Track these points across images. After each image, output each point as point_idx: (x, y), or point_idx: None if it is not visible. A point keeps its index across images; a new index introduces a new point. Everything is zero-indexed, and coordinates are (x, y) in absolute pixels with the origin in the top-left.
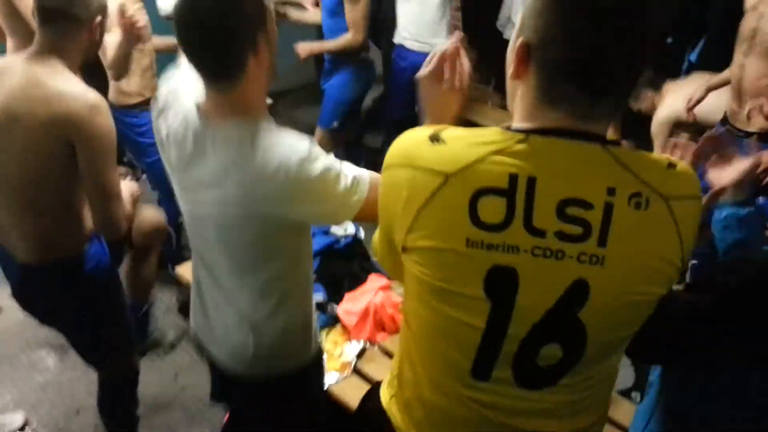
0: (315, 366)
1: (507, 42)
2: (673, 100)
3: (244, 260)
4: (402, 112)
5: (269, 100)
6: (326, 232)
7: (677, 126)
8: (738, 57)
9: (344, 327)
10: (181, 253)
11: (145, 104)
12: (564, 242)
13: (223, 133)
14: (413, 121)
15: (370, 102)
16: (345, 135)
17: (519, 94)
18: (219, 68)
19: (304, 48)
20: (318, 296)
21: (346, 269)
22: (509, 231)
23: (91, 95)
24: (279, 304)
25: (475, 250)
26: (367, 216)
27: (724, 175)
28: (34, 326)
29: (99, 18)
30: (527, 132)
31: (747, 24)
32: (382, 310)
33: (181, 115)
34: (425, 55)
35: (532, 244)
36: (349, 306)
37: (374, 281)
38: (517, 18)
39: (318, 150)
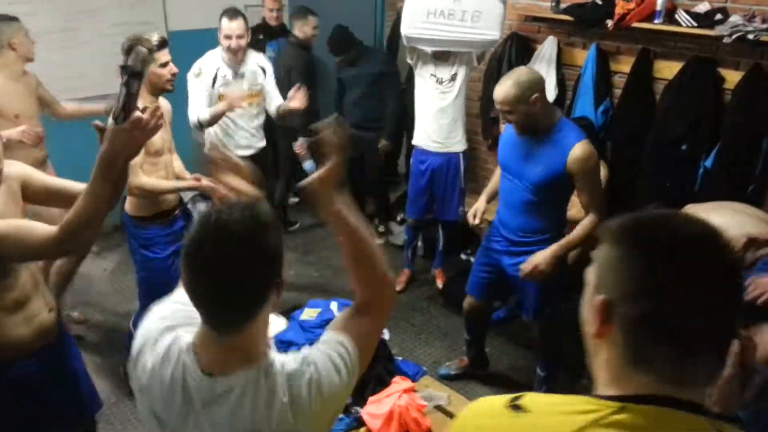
0: None
1: None
2: None
3: None
4: (419, 214)
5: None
6: None
7: None
8: None
9: (369, 430)
10: None
11: (157, 218)
12: None
13: (236, 388)
14: (430, 222)
15: (394, 200)
16: None
17: (602, 355)
18: (238, 317)
19: None
20: None
21: (370, 371)
22: None
23: None
24: None
25: None
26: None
27: None
28: None
29: None
30: (621, 399)
31: None
32: (407, 413)
33: (168, 366)
34: (443, 155)
35: None
36: (374, 409)
37: (399, 383)
38: None
39: (323, 363)
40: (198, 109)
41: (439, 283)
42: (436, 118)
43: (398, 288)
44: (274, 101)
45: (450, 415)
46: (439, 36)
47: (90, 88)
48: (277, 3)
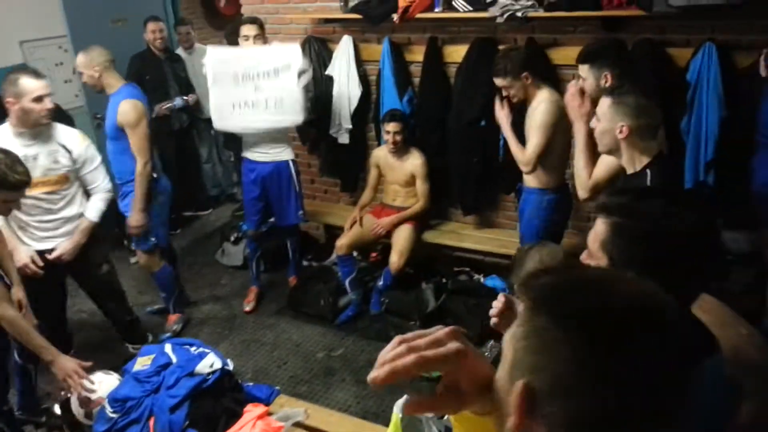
0: None
1: (343, 145)
2: None
3: None
4: (256, 225)
5: None
6: (191, 373)
7: None
8: None
9: None
10: None
11: None
12: None
13: None
14: (266, 233)
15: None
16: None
17: None
18: None
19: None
20: None
21: (219, 406)
22: None
23: None
24: None
25: None
26: None
27: None
28: None
29: None
30: None
31: None
32: None
33: None
34: (271, 163)
35: None
36: None
37: (251, 411)
38: (346, 123)
39: None
40: None
41: None
42: (258, 132)
43: (248, 308)
44: (95, 197)
45: (310, 429)
46: (248, 125)
47: None
48: None
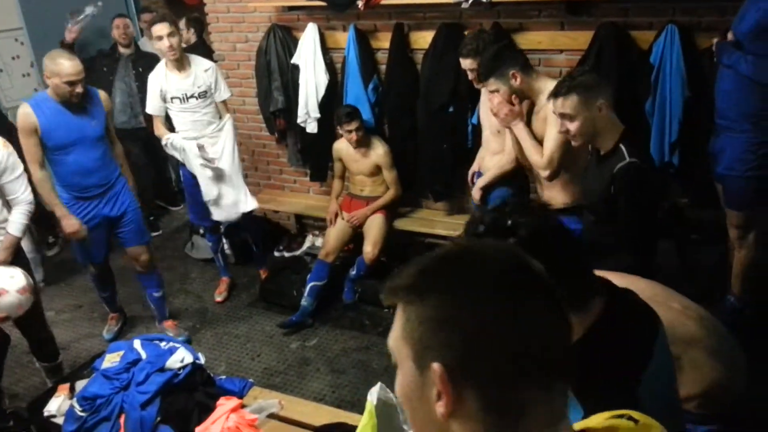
0: None
1: (311, 134)
2: None
3: None
4: (205, 219)
5: None
6: (161, 369)
7: None
8: None
9: None
10: None
11: None
12: None
13: None
14: (233, 226)
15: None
16: None
17: None
18: None
19: None
20: None
21: (191, 401)
22: None
23: None
24: None
25: None
26: None
27: None
28: None
29: None
30: None
31: None
32: None
33: None
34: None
35: None
36: None
37: (224, 405)
38: (314, 112)
39: None
40: None
41: None
42: None
43: (220, 298)
44: (16, 210)
45: (286, 420)
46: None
47: None
48: None
